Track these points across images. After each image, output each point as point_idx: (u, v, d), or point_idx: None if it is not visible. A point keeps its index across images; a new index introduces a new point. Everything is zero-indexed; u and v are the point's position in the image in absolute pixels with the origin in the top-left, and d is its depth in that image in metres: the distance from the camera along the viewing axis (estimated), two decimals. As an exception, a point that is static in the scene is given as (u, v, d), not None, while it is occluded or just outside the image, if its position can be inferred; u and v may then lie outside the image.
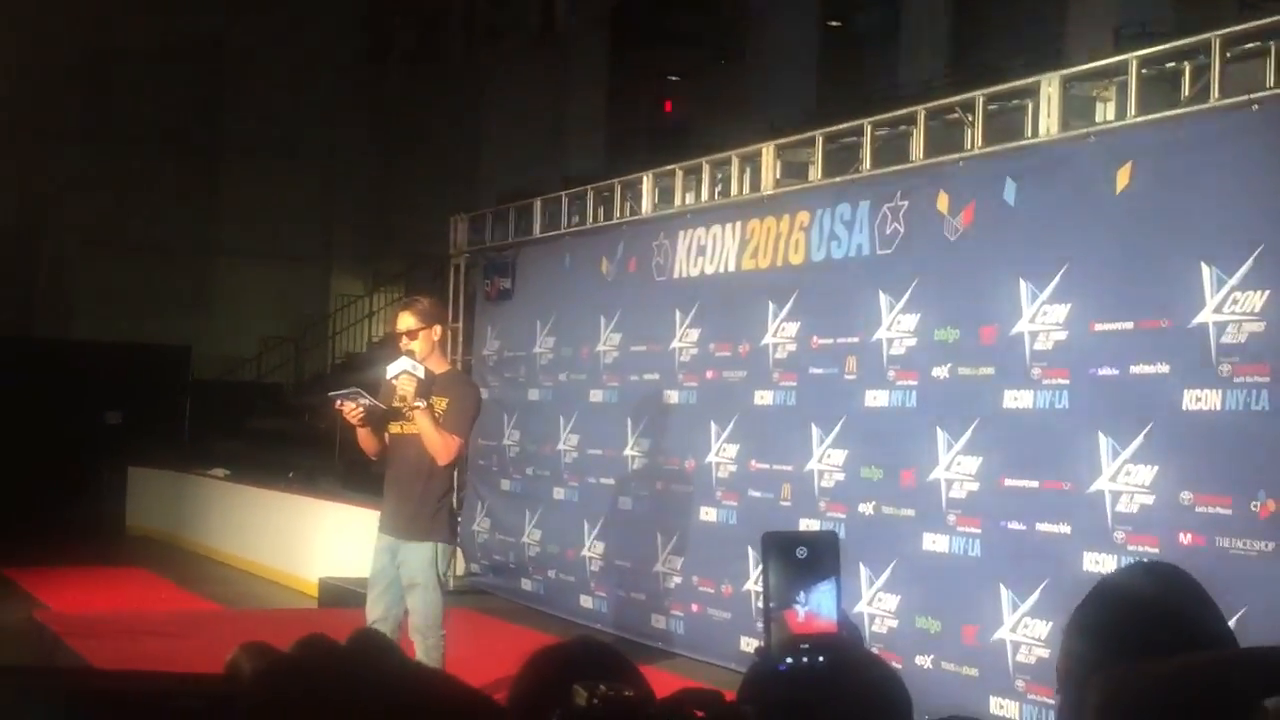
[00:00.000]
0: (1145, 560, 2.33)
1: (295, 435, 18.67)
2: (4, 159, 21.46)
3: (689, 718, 1.29)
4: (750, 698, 1.63)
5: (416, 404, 7.00)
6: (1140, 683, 1.50)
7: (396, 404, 7.06)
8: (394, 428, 7.23)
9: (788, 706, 1.60)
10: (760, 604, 1.57)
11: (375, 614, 7.11)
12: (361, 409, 6.96)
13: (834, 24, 17.57)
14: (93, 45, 21.99)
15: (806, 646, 1.60)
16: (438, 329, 7.32)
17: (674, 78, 20.61)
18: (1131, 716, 1.46)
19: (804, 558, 1.61)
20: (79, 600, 12.22)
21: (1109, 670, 1.59)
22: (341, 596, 10.88)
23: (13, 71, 20.65)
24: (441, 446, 7.07)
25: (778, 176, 9.06)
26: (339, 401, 7.02)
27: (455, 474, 7.79)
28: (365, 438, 7.22)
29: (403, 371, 7.05)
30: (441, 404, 7.19)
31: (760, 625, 1.64)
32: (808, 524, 8.13)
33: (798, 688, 1.62)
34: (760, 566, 1.64)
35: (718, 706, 1.32)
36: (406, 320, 7.25)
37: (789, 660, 1.61)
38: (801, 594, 1.61)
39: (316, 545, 13.22)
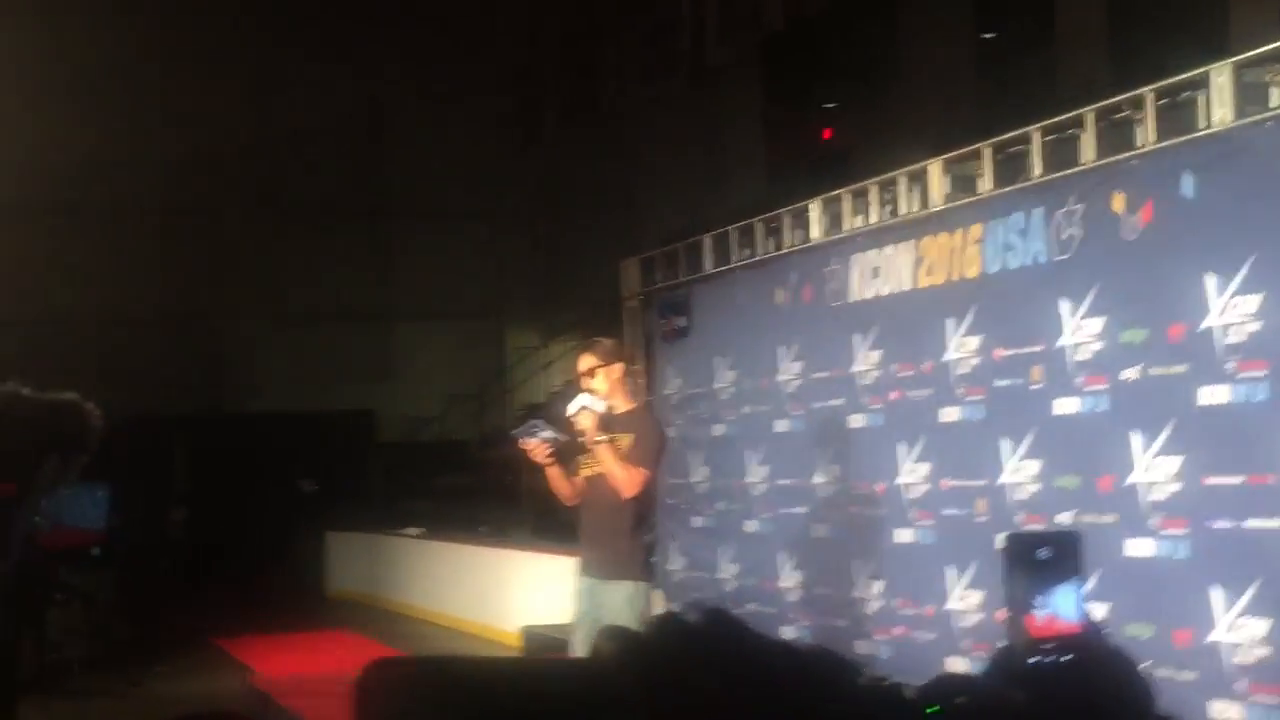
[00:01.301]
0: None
1: (482, 490, 18.92)
2: (178, 239, 22.12)
3: (949, 702, 1.30)
4: (995, 687, 1.63)
5: (596, 438, 7.07)
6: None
7: (577, 439, 7.15)
8: (585, 470, 7.31)
9: (1036, 698, 1.61)
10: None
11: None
12: (545, 444, 7.06)
13: (987, 35, 17.39)
14: (257, 122, 22.59)
15: (1051, 646, 1.60)
16: (618, 367, 7.40)
17: (830, 105, 20.55)
18: None
19: (1046, 558, 1.60)
20: (288, 663, 12.51)
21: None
22: (545, 644, 11.00)
23: (184, 155, 21.30)
24: (626, 479, 7.13)
25: (947, 191, 9.01)
26: (523, 440, 7.12)
27: (650, 513, 7.83)
28: (556, 479, 7.31)
29: (581, 407, 7.13)
30: (626, 440, 7.26)
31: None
32: (1003, 540, 8.01)
33: (1045, 682, 1.62)
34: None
35: (980, 691, 1.34)
36: (587, 360, 7.35)
37: (1034, 659, 1.62)
38: (1039, 597, 1.61)
39: (514, 595, 13.38)
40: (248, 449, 20.49)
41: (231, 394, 23.11)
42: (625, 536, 7.25)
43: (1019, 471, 8.17)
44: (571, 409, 7.20)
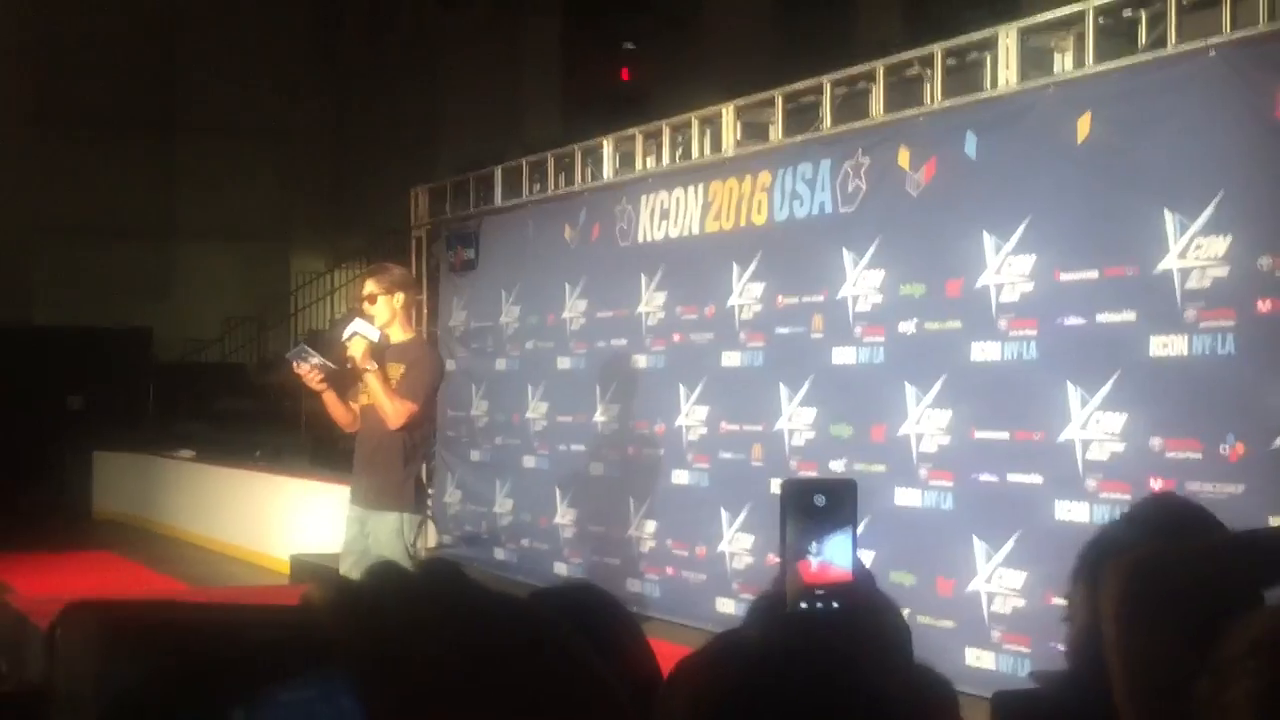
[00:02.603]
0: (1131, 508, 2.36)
1: (260, 415, 18.62)
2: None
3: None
4: (757, 632, 1.64)
5: (366, 367, 6.98)
6: (1155, 563, 1.52)
7: (346, 366, 7.05)
8: (363, 398, 7.23)
9: (801, 647, 1.61)
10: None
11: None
12: (317, 370, 6.96)
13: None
14: (39, 25, 21.79)
15: (821, 593, 1.61)
16: (400, 296, 7.30)
17: (629, 45, 20.53)
18: (1148, 599, 1.48)
19: (822, 505, 1.60)
20: (49, 584, 12.17)
21: (1124, 557, 1.60)
22: (313, 572, 10.88)
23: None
24: (391, 410, 7.06)
25: (738, 138, 9.07)
26: (295, 364, 7.02)
27: (423, 444, 7.78)
28: (333, 405, 7.22)
29: (354, 333, 7.04)
30: (397, 370, 7.18)
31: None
32: (778, 484, 8.15)
33: (811, 628, 1.62)
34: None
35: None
36: (369, 285, 7.26)
37: (803, 605, 1.62)
38: (814, 544, 1.60)
39: (286, 522, 13.20)
40: (16, 361, 19.83)
41: (3, 305, 22.36)
42: (394, 467, 7.19)
43: (795, 418, 8.30)
44: (345, 333, 7.10)
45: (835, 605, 1.58)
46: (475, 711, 0.67)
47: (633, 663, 2.02)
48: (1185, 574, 1.48)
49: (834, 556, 1.57)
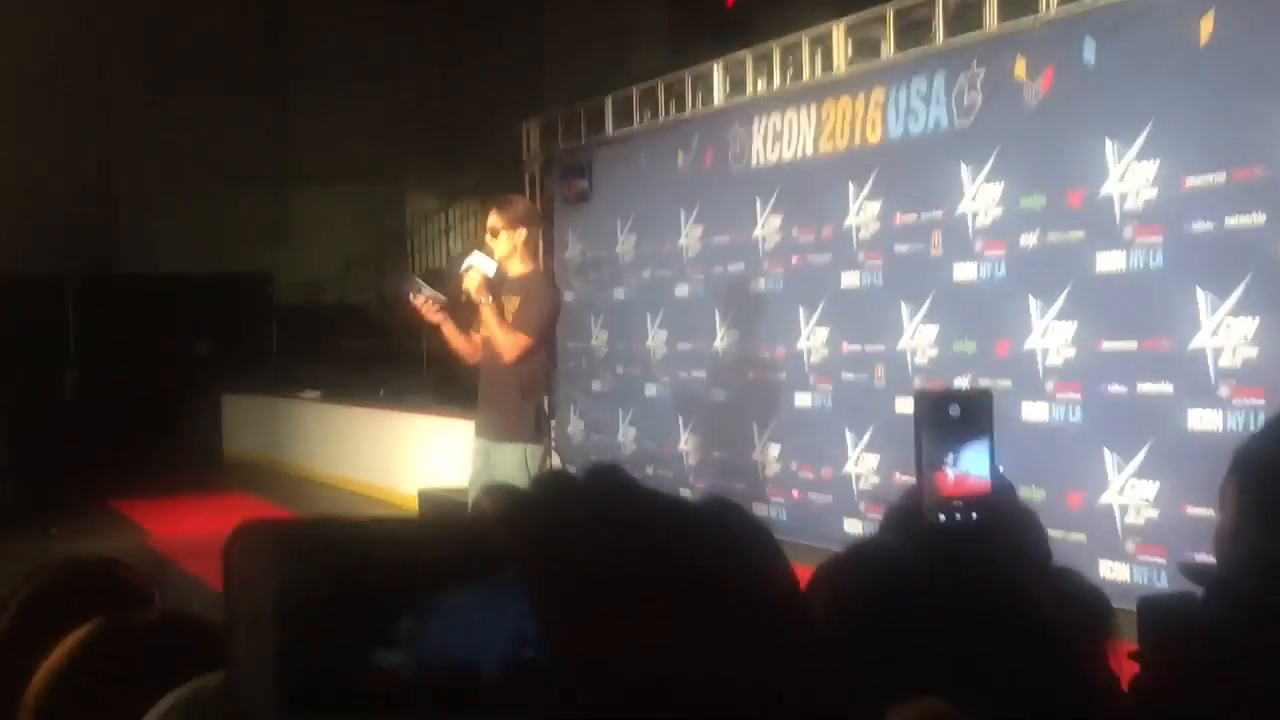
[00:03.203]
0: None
1: (383, 354, 18.81)
2: (72, 97, 21.62)
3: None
4: (876, 563, 1.62)
5: (480, 299, 7.02)
6: None
7: (461, 299, 7.10)
8: (483, 331, 7.27)
9: (941, 555, 1.59)
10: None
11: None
12: (430, 300, 7.01)
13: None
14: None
15: (959, 504, 1.58)
16: (523, 230, 7.31)
17: (734, -32, 20.33)
18: None
19: (957, 416, 1.58)
20: (185, 526, 12.44)
21: None
22: (441, 505, 11.00)
23: (70, 9, 20.73)
24: (505, 343, 7.10)
25: (850, 56, 8.96)
26: (411, 296, 7.08)
27: (541, 376, 7.81)
28: (453, 336, 7.27)
29: (469, 266, 7.07)
30: (513, 303, 7.21)
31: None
32: (903, 403, 8.12)
33: (950, 539, 1.60)
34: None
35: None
36: (491, 219, 7.28)
37: (941, 517, 1.60)
38: (951, 455, 1.58)
39: (412, 458, 13.36)
40: (142, 311, 20.20)
41: (126, 255, 22.71)
42: (512, 399, 7.23)
43: (918, 337, 8.23)
44: (461, 266, 7.15)
45: (974, 516, 1.56)
46: (650, 613, 0.67)
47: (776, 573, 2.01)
48: None
49: (971, 467, 1.55)
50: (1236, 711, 1.90)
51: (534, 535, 0.66)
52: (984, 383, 7.62)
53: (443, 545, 0.68)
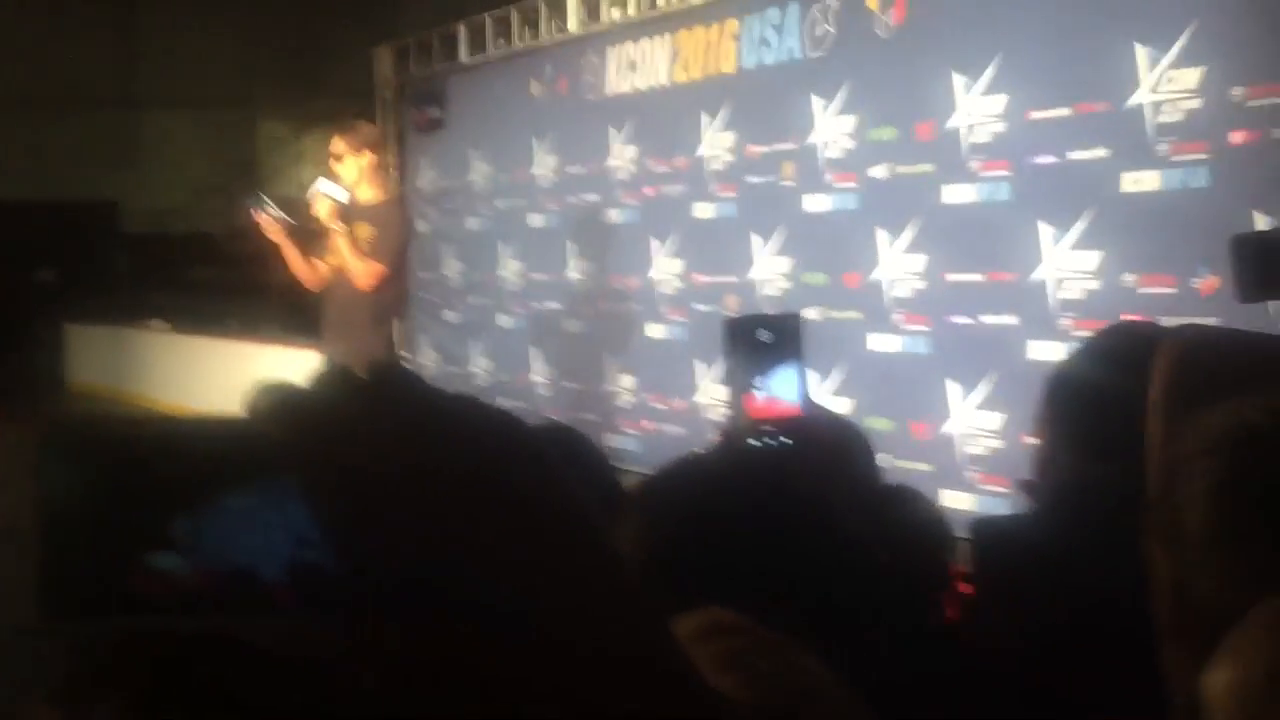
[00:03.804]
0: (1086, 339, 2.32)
1: (234, 284, 18.53)
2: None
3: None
4: (704, 473, 1.60)
5: (333, 226, 6.92)
6: (1204, 346, 1.47)
7: (311, 226, 7.01)
8: (330, 259, 7.17)
9: (746, 485, 1.57)
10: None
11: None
12: (275, 222, 6.91)
13: None
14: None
15: (770, 426, 1.57)
16: (368, 155, 7.22)
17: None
18: (1196, 384, 1.42)
19: (767, 341, 1.56)
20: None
21: (1172, 339, 1.54)
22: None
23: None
24: (360, 271, 7.01)
25: (705, -15, 8.91)
26: (254, 212, 6.97)
27: (394, 305, 7.72)
28: (294, 261, 7.17)
29: (319, 193, 6.97)
30: (366, 231, 7.12)
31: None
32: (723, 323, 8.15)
33: (762, 463, 1.59)
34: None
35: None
36: (337, 144, 7.18)
37: (752, 440, 1.58)
38: (759, 378, 1.57)
39: (263, 389, 13.18)
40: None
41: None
42: (366, 328, 7.15)
43: (768, 268, 8.26)
44: (310, 192, 7.04)
45: (782, 440, 1.55)
46: (430, 513, 0.64)
47: (606, 490, 2.00)
48: (1236, 359, 1.42)
49: (781, 391, 1.54)
50: (1058, 630, 1.91)
51: (312, 432, 0.63)
52: (833, 314, 7.68)
53: (221, 444, 0.65)
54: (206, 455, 0.64)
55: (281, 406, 0.65)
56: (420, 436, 0.64)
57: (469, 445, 0.65)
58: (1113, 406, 1.88)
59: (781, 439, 1.52)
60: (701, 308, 8.82)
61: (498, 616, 0.62)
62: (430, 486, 0.63)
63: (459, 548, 0.62)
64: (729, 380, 1.52)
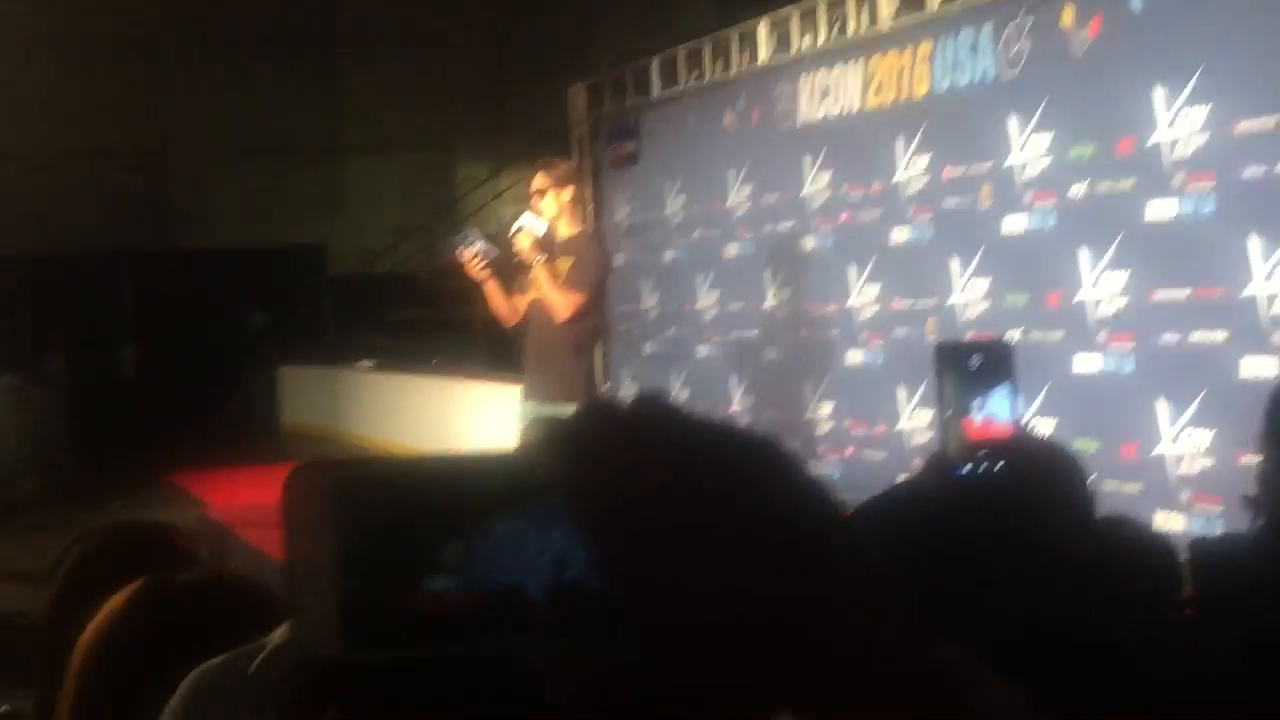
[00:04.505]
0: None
1: (436, 322, 18.88)
2: (122, 73, 21.74)
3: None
4: (911, 504, 1.62)
5: (533, 259, 7.04)
6: None
7: (513, 258, 7.15)
8: (531, 292, 7.30)
9: (967, 510, 1.59)
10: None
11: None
12: (480, 256, 7.04)
13: None
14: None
15: (984, 453, 1.58)
16: (568, 190, 7.34)
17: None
18: None
19: (978, 367, 1.58)
20: (242, 497, 12.54)
21: None
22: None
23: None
24: (559, 302, 7.12)
25: (896, 10, 8.90)
26: (461, 249, 7.12)
27: (593, 337, 7.82)
28: (494, 295, 7.29)
29: (520, 227, 7.11)
30: (565, 263, 7.24)
31: (940, 437, 1.61)
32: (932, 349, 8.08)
33: (982, 486, 1.60)
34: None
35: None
36: (538, 180, 7.30)
37: (968, 467, 1.60)
38: (977, 400, 1.58)
39: (466, 425, 13.43)
40: (197, 285, 20.33)
41: (181, 229, 22.86)
42: (564, 360, 7.25)
43: (968, 290, 8.19)
44: (513, 229, 7.18)
45: (998, 465, 1.56)
46: (692, 536, 0.68)
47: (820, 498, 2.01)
48: None
49: (996, 412, 1.55)
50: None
51: (579, 461, 0.68)
52: (1036, 335, 7.60)
53: (489, 475, 0.70)
54: (479, 485, 0.69)
55: (552, 436, 0.70)
56: (683, 460, 0.68)
57: (729, 467, 0.69)
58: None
59: (998, 463, 1.53)
60: (900, 332, 8.78)
61: (762, 631, 0.66)
62: (692, 507, 0.67)
63: (720, 564, 0.66)
64: (940, 404, 1.53)
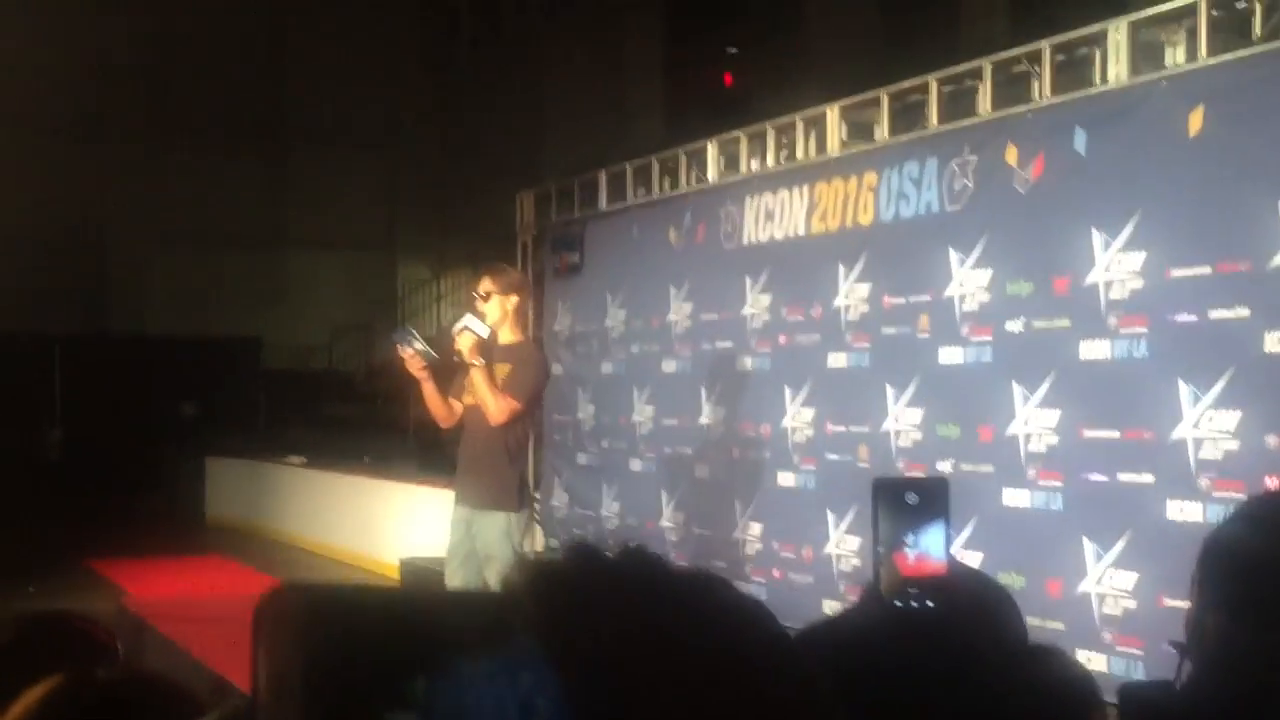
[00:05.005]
0: (1243, 504, 2.31)
1: (369, 421, 18.82)
2: (68, 154, 21.69)
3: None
4: (850, 638, 1.62)
5: (473, 361, 7.03)
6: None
7: (453, 358, 7.13)
8: (466, 397, 7.28)
9: (900, 650, 1.59)
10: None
11: (454, 587, 7.17)
12: (419, 357, 7.02)
13: (891, -13, 17.43)
14: (152, 35, 22.14)
15: (915, 590, 1.59)
16: (514, 298, 7.36)
17: (732, 50, 20.53)
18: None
19: (914, 503, 1.59)
20: (163, 588, 12.39)
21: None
22: (423, 576, 10.96)
23: (73, 64, 20.81)
24: (495, 407, 7.10)
25: (844, 138, 9.02)
26: (399, 346, 7.09)
27: (526, 445, 7.81)
28: (431, 396, 7.26)
29: (464, 328, 7.10)
30: (504, 369, 7.23)
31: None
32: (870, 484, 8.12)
33: (913, 622, 1.61)
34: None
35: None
36: (485, 284, 7.32)
37: (898, 604, 1.61)
38: (911, 536, 1.59)
39: (395, 527, 13.32)
40: (129, 370, 20.20)
41: (116, 314, 22.75)
42: (499, 467, 7.23)
43: (902, 419, 8.24)
44: (455, 327, 7.17)
45: (929, 603, 1.56)
46: (675, 689, 0.68)
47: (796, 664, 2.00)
48: None
49: (929, 549, 1.56)
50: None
51: (565, 607, 0.67)
52: (966, 467, 7.64)
53: (464, 611, 0.70)
54: (451, 622, 0.69)
55: (535, 579, 0.70)
56: (665, 612, 0.68)
57: (711, 623, 0.69)
58: (1276, 575, 1.87)
59: (929, 599, 1.54)
60: (833, 456, 8.81)
61: None
62: (673, 660, 0.67)
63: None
64: (875, 538, 1.54)
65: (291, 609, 0.69)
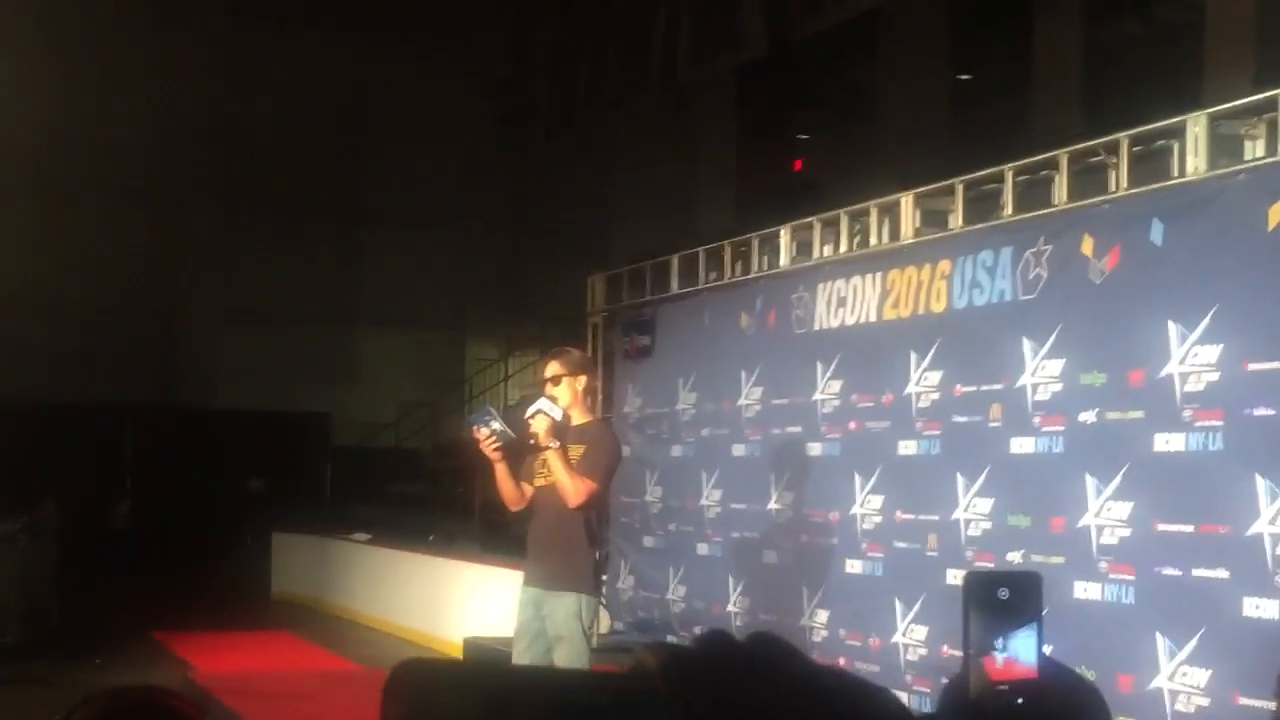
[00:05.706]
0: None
1: (434, 500, 18.84)
2: (144, 231, 22.00)
3: None
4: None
5: (549, 444, 7.05)
6: None
7: (529, 441, 7.14)
8: (537, 480, 7.29)
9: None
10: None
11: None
12: (495, 438, 7.03)
13: (964, 77, 17.49)
14: (229, 113, 22.48)
15: (1007, 689, 1.57)
16: (582, 379, 7.39)
17: (803, 136, 20.63)
18: None
19: (1005, 599, 1.57)
20: (228, 662, 12.42)
21: None
22: (487, 655, 10.95)
23: (150, 138, 21.14)
24: (572, 488, 7.11)
25: (917, 225, 9.03)
26: (475, 428, 7.11)
27: (597, 526, 7.82)
28: (502, 478, 7.27)
29: (538, 411, 7.12)
30: (578, 450, 7.24)
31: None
32: (954, 574, 8.06)
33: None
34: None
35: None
36: (553, 367, 7.35)
37: (990, 701, 1.59)
38: (1000, 640, 1.57)
39: (459, 606, 13.32)
40: (198, 444, 20.37)
41: (187, 387, 22.98)
42: (574, 548, 7.23)
43: (972, 508, 8.19)
44: (530, 411, 7.19)
45: (1019, 702, 1.55)
46: None
47: None
48: None
49: (1019, 652, 1.54)
50: None
51: (698, 691, 0.69)
52: (1037, 558, 7.57)
53: (592, 692, 0.70)
54: (580, 703, 0.69)
55: (668, 662, 0.71)
56: (795, 698, 0.69)
57: (838, 712, 0.70)
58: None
59: (1019, 696, 1.52)
60: (901, 544, 8.76)
61: None
62: None
63: None
64: (965, 639, 1.52)
65: (421, 683, 0.70)
